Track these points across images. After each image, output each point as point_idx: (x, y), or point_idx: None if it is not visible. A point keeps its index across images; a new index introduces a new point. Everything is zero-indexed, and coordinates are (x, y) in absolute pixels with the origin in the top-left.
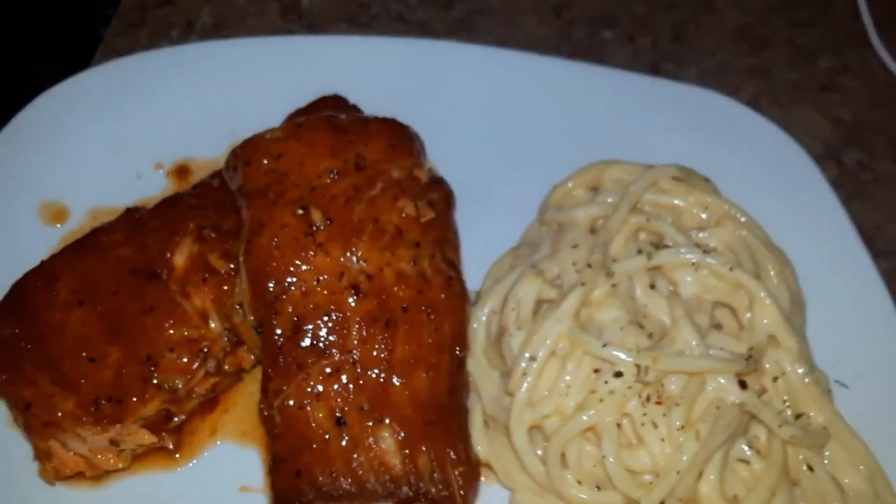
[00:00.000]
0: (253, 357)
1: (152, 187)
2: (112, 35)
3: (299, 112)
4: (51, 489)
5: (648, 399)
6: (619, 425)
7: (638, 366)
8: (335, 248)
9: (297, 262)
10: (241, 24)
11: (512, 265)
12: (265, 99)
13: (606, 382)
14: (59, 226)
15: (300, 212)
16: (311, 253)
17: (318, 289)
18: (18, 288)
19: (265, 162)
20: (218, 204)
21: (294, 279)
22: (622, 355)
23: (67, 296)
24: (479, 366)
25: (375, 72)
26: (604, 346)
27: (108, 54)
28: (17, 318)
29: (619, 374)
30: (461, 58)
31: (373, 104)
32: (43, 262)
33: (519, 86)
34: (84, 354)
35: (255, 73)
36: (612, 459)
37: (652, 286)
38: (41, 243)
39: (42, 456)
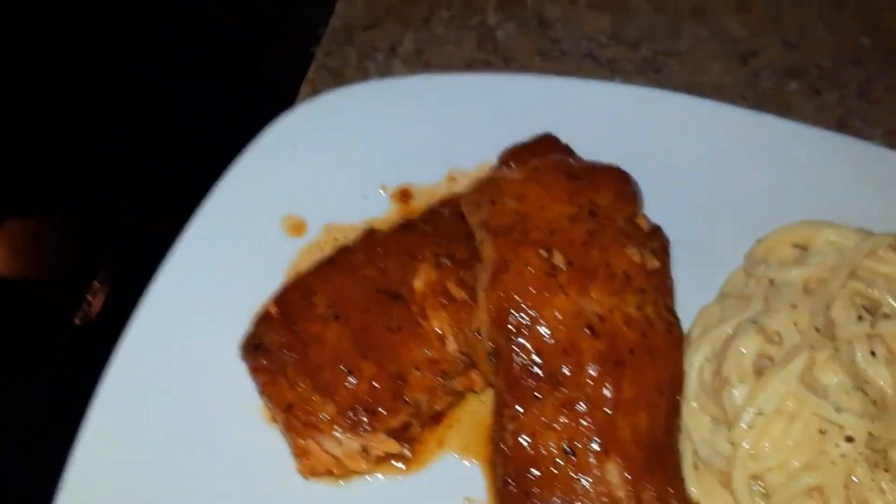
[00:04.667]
0: (483, 380)
1: (377, 208)
2: (323, 53)
3: (517, 149)
4: (304, 482)
5: (876, 465)
6: (845, 487)
7: (870, 433)
8: (573, 289)
9: (540, 300)
10: (439, 51)
11: (721, 316)
12: (479, 131)
13: (838, 446)
14: (297, 238)
15: (544, 253)
16: (553, 292)
17: (558, 326)
18: (281, 299)
19: (509, 202)
20: (449, 233)
21: (536, 315)
22: (858, 422)
23: (324, 310)
24: (689, 409)
25: (581, 113)
26: (838, 410)
27: (320, 72)
28: (282, 326)
29: (850, 439)
30: (667, 105)
31: (578, 146)
32: (300, 277)
33: (719, 137)
34: (341, 366)
35: (470, 106)
36: None
37: (872, 353)
38: (284, 253)
39: (300, 453)
